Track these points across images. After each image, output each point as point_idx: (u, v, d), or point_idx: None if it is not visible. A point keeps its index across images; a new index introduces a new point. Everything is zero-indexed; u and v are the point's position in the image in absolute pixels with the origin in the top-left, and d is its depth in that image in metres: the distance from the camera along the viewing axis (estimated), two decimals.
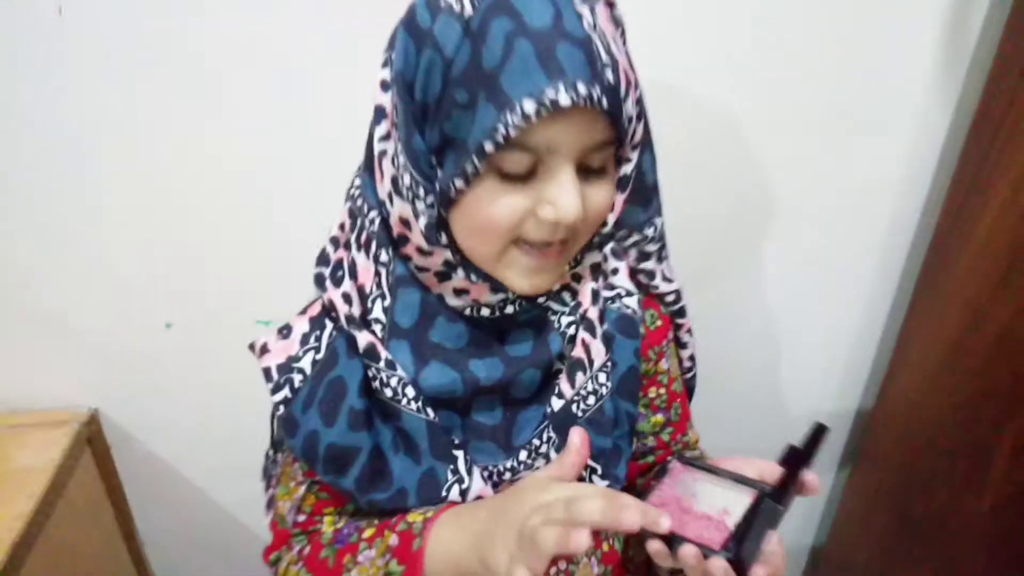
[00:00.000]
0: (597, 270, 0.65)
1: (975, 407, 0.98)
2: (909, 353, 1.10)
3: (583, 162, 0.52)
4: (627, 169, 0.55)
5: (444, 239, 0.55)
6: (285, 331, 0.63)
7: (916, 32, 0.92)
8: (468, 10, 0.48)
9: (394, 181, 0.55)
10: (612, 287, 0.66)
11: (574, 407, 0.61)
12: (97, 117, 0.88)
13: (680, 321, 0.73)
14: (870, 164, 1.02)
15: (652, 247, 0.69)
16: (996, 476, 0.97)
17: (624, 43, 0.53)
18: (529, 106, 0.46)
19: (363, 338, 0.60)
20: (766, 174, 1.01)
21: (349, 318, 0.60)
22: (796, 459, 0.54)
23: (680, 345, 0.75)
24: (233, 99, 0.89)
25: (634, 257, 0.69)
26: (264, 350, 0.63)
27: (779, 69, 0.93)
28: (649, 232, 0.68)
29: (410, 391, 0.59)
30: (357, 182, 0.63)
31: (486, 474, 0.62)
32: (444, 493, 0.60)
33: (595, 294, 0.64)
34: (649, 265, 0.70)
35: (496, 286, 0.57)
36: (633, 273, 0.70)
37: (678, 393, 0.73)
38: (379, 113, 0.56)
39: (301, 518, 0.65)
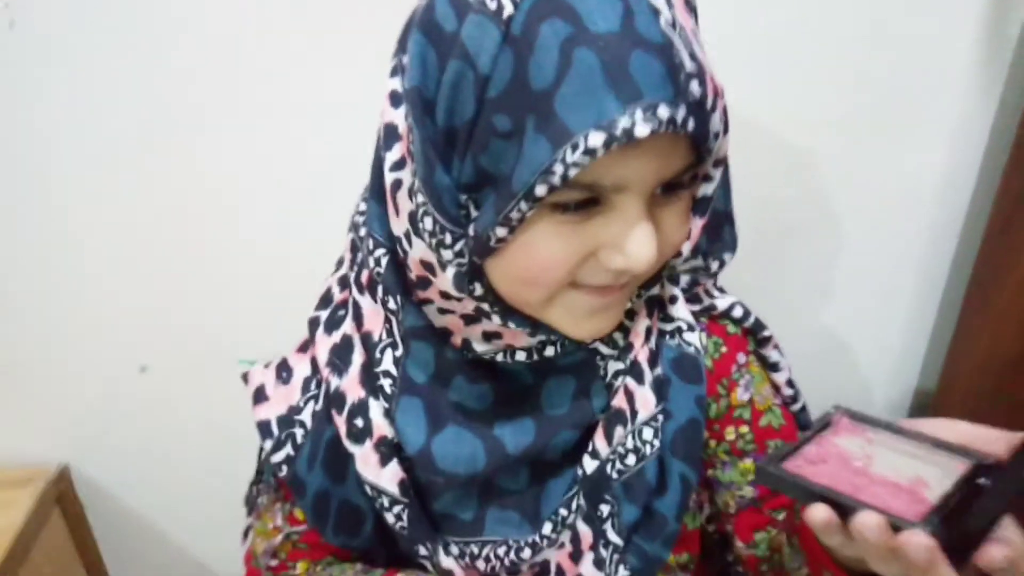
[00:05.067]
0: (653, 302, 0.56)
1: None
2: (957, 375, 1.02)
3: (654, 190, 0.43)
4: (707, 190, 0.46)
5: (479, 289, 0.46)
6: (285, 374, 0.58)
7: (954, 26, 0.87)
8: (507, 8, 0.38)
9: (412, 218, 0.46)
10: (670, 319, 0.56)
11: (608, 467, 0.52)
12: (64, 143, 0.84)
13: (764, 335, 0.61)
14: (906, 168, 0.96)
15: (707, 279, 0.59)
16: None
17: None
18: (596, 139, 0.37)
19: (350, 394, 0.54)
20: (793, 180, 0.96)
21: (332, 364, 0.55)
22: None
23: (770, 367, 0.62)
24: (208, 127, 0.84)
25: (685, 282, 0.59)
26: (261, 396, 0.57)
27: (808, 71, 0.88)
28: (714, 267, 0.58)
29: (387, 479, 0.54)
30: (362, 207, 0.54)
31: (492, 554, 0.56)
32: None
33: (649, 332, 0.54)
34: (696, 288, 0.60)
35: (537, 331, 0.49)
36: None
37: (775, 428, 0.59)
38: (390, 134, 0.46)
39: (274, 563, 0.63)
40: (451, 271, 0.45)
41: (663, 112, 0.37)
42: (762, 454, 0.58)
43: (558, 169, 0.38)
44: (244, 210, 0.89)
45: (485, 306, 0.47)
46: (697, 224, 0.47)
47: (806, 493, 0.38)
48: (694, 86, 0.39)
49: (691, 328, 0.56)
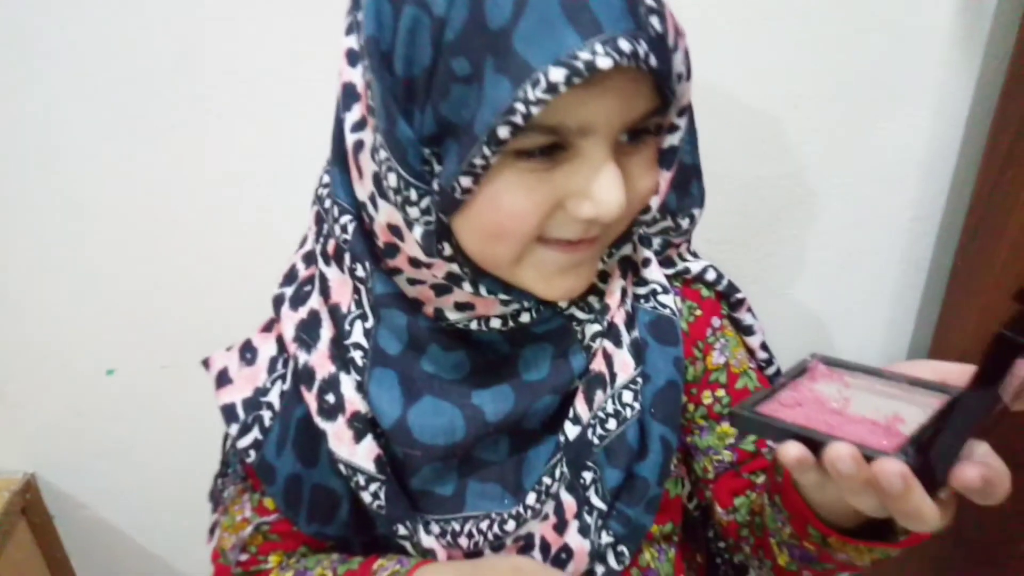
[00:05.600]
0: (626, 264, 0.55)
1: None
2: (947, 353, 1.00)
3: (619, 135, 0.43)
4: (673, 140, 0.46)
5: (448, 250, 0.45)
6: (249, 355, 0.56)
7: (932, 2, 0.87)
8: None
9: (376, 180, 0.46)
10: (644, 282, 0.56)
11: (590, 432, 0.52)
12: (32, 149, 0.84)
13: (737, 297, 0.61)
14: (889, 146, 0.95)
15: (678, 239, 0.59)
16: None
17: None
18: (556, 74, 0.36)
19: (320, 369, 0.52)
20: (778, 161, 0.95)
21: (299, 340, 0.53)
22: (1010, 347, 0.34)
23: (743, 330, 0.62)
24: (184, 133, 0.84)
25: (657, 244, 0.59)
26: (224, 379, 0.56)
27: (789, 51, 0.88)
28: (684, 223, 0.57)
29: (362, 456, 0.52)
30: (326, 179, 0.53)
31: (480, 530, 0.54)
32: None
33: (624, 293, 0.54)
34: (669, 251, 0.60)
35: (510, 296, 0.49)
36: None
37: (751, 392, 0.59)
38: (349, 94, 0.46)
39: (244, 557, 0.60)
40: (418, 230, 0.44)
41: (624, 45, 0.37)
42: None
43: (520, 108, 0.37)
44: (211, 212, 0.88)
45: (455, 267, 0.46)
46: (665, 177, 0.47)
47: (779, 433, 0.38)
48: (655, 21, 0.39)
49: (665, 290, 0.56)
